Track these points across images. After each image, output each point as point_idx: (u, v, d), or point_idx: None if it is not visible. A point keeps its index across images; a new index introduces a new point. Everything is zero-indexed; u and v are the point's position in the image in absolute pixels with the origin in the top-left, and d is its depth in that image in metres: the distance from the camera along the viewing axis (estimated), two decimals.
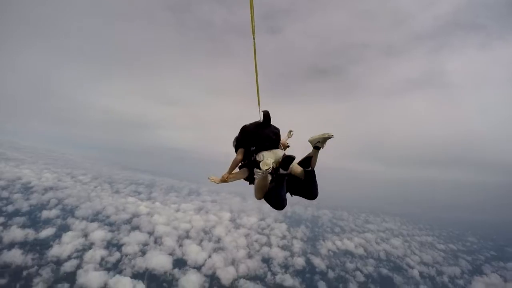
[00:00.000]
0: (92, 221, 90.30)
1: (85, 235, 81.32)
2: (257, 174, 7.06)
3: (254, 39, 5.60)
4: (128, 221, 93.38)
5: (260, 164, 6.37)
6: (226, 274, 76.05)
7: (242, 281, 75.15)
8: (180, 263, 77.25)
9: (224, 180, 6.91)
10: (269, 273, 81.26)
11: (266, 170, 6.24)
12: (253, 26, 5.31)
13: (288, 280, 79.05)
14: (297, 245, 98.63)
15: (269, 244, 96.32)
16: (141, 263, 73.77)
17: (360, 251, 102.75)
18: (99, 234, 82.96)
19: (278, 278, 79.66)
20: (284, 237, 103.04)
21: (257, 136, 7.17)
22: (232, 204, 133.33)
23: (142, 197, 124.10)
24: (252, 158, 7.17)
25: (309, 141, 6.85)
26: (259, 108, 7.27)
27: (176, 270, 74.11)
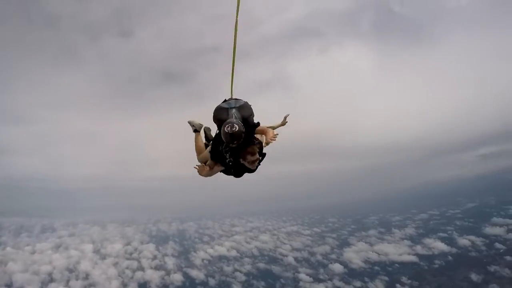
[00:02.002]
0: None
1: None
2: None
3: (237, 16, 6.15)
4: None
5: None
6: None
7: None
8: None
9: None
10: None
11: None
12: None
13: None
14: (170, 262, 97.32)
15: (141, 268, 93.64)
16: None
17: (233, 253, 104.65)
18: None
19: None
20: (155, 257, 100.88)
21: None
22: (92, 234, 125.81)
23: None
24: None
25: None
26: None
27: None
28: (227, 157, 6.58)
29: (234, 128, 5.96)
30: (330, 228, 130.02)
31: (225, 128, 6.01)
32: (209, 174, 6.96)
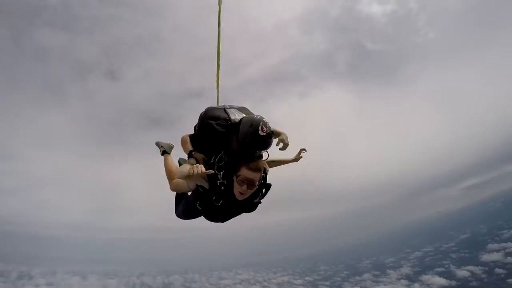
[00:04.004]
0: None
1: None
2: None
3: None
4: None
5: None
6: None
7: None
8: None
9: None
10: None
11: None
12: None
13: None
14: None
15: None
16: None
17: None
18: None
19: None
20: None
21: None
22: (71, 285, 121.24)
23: None
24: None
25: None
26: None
27: None
28: (220, 177, 4.46)
29: (269, 128, 4.35)
30: (323, 276, 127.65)
31: (260, 128, 4.28)
32: (182, 188, 4.92)
